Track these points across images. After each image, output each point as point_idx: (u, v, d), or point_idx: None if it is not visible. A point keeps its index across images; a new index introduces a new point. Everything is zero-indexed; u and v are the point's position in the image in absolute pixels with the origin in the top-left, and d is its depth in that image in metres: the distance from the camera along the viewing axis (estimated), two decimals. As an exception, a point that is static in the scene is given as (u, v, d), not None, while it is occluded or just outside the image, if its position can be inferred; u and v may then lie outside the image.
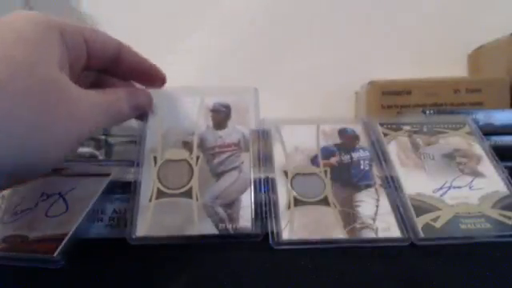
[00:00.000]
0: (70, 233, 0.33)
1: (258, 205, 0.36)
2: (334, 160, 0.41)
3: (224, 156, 0.39)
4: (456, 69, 0.87)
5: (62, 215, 0.35)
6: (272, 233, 0.34)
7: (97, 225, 0.37)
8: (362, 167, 0.40)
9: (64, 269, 0.30)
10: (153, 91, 0.41)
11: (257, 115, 0.43)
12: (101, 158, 0.48)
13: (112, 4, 0.90)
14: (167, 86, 0.42)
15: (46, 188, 0.38)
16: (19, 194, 0.38)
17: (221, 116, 0.42)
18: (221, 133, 0.41)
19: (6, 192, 0.38)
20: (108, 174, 0.39)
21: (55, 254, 0.31)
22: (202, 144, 0.40)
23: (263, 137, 0.42)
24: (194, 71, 0.88)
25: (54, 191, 0.37)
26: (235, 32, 0.89)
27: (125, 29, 0.90)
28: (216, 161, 0.39)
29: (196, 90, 0.44)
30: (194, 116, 0.42)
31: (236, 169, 0.39)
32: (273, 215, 0.35)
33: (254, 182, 0.38)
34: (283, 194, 0.37)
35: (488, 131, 0.48)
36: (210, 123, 0.41)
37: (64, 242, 0.32)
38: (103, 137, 0.47)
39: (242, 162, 0.39)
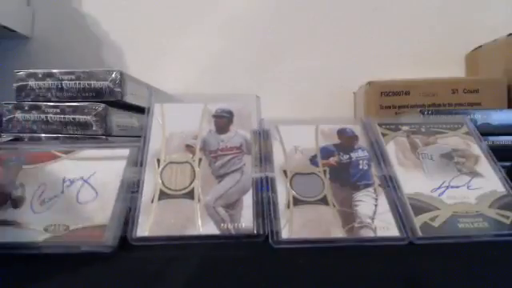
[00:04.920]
0: (110, 219, 0.35)
1: (259, 205, 0.37)
2: (333, 160, 0.41)
3: (226, 159, 0.40)
4: (454, 69, 0.87)
5: (93, 201, 0.36)
6: (271, 232, 0.34)
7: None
8: (360, 167, 0.41)
9: (63, 269, 0.31)
10: (157, 95, 0.42)
11: (258, 121, 0.44)
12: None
13: (112, 5, 0.90)
14: (170, 89, 0.43)
15: (65, 173, 0.38)
16: (37, 182, 0.38)
17: (223, 121, 0.43)
18: (223, 137, 0.42)
19: (21, 180, 0.38)
20: (122, 157, 0.40)
21: (104, 240, 0.33)
22: (204, 147, 0.41)
23: (263, 137, 0.43)
24: (194, 71, 0.88)
25: (75, 176, 0.38)
26: (235, 33, 0.90)
27: (124, 29, 0.90)
28: (218, 163, 0.40)
29: (200, 97, 0.45)
30: (198, 121, 0.43)
31: (238, 171, 0.39)
32: (272, 215, 0.36)
33: (255, 182, 0.38)
34: (283, 194, 0.38)
35: (485, 131, 0.48)
36: (213, 128, 0.42)
37: (108, 227, 0.34)
38: (103, 137, 0.48)
39: (244, 164, 0.40)
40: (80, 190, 0.37)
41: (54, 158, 0.40)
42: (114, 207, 0.35)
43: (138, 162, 0.39)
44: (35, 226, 0.34)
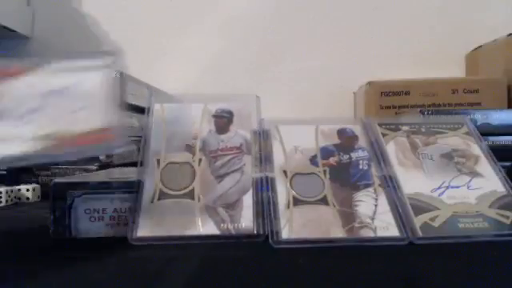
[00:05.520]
0: (116, 123, 0.34)
1: (259, 205, 0.37)
2: (333, 160, 0.41)
3: (226, 159, 0.40)
4: (454, 69, 0.87)
5: (83, 109, 0.35)
6: (271, 232, 0.34)
7: (97, 224, 0.37)
8: (360, 167, 0.41)
9: (63, 268, 0.31)
10: (157, 95, 0.42)
11: (258, 121, 0.44)
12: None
13: (112, 5, 0.90)
14: (170, 89, 0.43)
15: (41, 86, 0.37)
16: (11, 97, 0.36)
17: (223, 121, 0.43)
18: (223, 137, 0.41)
19: None
20: (98, 67, 0.38)
21: (116, 139, 0.33)
22: (204, 147, 0.41)
23: (263, 137, 0.43)
24: (194, 71, 0.88)
25: (53, 88, 0.36)
26: (235, 33, 0.90)
27: (124, 29, 0.90)
28: (218, 163, 0.40)
29: (200, 97, 0.45)
30: (198, 121, 0.43)
31: (238, 171, 0.39)
32: (272, 215, 0.36)
33: (255, 182, 0.38)
34: (283, 194, 0.38)
35: (485, 131, 0.48)
36: (213, 128, 0.42)
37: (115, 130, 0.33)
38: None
39: (244, 165, 0.40)
40: (64, 100, 0.35)
41: (20, 72, 0.37)
42: (106, 112, 0.34)
43: (138, 162, 0.39)
44: (23, 137, 0.32)
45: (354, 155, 0.42)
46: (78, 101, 0.35)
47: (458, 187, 0.39)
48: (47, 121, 0.34)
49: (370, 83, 0.73)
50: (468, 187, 0.39)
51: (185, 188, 0.38)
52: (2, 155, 0.32)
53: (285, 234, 0.34)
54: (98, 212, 0.37)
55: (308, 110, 0.87)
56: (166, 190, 0.37)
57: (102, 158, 0.51)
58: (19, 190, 0.57)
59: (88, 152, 0.34)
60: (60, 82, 0.36)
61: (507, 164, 0.44)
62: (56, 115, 0.34)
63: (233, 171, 0.39)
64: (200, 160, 0.40)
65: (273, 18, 0.90)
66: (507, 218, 0.36)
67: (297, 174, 0.39)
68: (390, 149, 0.43)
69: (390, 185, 0.39)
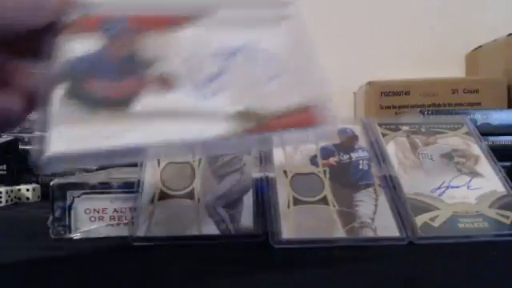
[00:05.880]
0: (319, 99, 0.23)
1: (259, 205, 0.37)
2: (333, 160, 0.41)
3: (226, 158, 0.40)
4: (454, 69, 0.87)
5: (278, 77, 0.25)
6: (271, 232, 0.34)
7: (97, 224, 0.37)
8: (360, 167, 0.41)
9: (63, 268, 0.31)
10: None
11: None
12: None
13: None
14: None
15: (212, 43, 0.26)
16: (177, 54, 0.26)
17: None
18: None
19: (143, 53, 0.25)
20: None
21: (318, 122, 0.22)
22: None
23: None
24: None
25: (231, 45, 0.26)
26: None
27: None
28: (218, 163, 0.40)
29: None
30: None
31: (238, 171, 0.39)
32: (272, 215, 0.36)
33: (255, 182, 0.38)
34: (283, 194, 0.38)
35: (485, 131, 0.48)
36: None
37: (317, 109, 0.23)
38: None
39: (244, 164, 0.40)
40: (250, 62, 0.25)
41: (177, 22, 0.26)
42: (304, 83, 0.24)
43: (137, 163, 0.39)
44: (217, 115, 0.23)
45: (354, 155, 0.42)
46: (266, 67, 0.25)
47: (458, 187, 0.39)
48: (237, 93, 0.24)
49: (370, 83, 0.73)
50: (468, 187, 0.39)
51: (185, 188, 0.38)
52: (193, 139, 0.22)
53: (285, 234, 0.34)
54: (98, 212, 0.37)
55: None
56: (166, 190, 0.37)
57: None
58: (19, 190, 0.57)
59: (283, 139, 0.23)
60: (234, 38, 0.26)
61: (507, 164, 0.44)
62: (243, 86, 0.24)
63: (233, 171, 0.39)
64: (200, 160, 0.39)
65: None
66: (507, 218, 0.36)
67: (297, 174, 0.39)
68: (390, 149, 0.43)
69: (390, 185, 0.39)
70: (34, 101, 0.25)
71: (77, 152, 0.22)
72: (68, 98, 0.23)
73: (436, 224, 0.36)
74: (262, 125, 0.22)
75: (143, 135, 0.22)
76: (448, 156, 0.42)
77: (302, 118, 0.23)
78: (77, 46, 0.25)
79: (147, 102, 0.23)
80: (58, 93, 0.23)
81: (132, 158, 0.26)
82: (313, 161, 0.41)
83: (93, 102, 0.23)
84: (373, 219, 0.36)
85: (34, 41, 0.25)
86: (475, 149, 0.43)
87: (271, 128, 0.22)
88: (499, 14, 0.88)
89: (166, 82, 0.24)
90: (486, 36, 0.79)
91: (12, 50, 0.25)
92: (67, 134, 0.22)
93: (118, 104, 0.23)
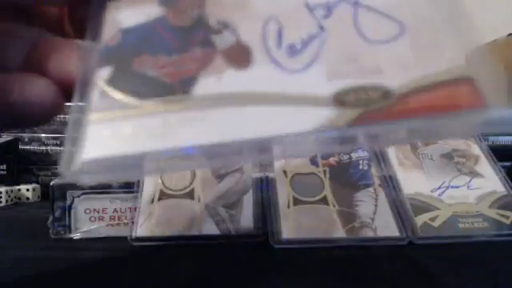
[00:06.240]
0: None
1: (259, 205, 0.37)
2: (333, 160, 0.41)
3: None
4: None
5: (399, 38, 0.15)
6: (271, 232, 0.34)
7: (97, 224, 0.37)
8: (360, 167, 0.41)
9: (63, 268, 0.31)
10: None
11: None
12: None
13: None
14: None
15: None
16: (257, 15, 0.17)
17: None
18: None
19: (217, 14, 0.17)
20: None
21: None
22: None
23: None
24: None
25: None
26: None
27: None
28: (218, 162, 0.40)
29: None
30: None
31: (238, 170, 0.39)
32: (272, 214, 0.36)
33: (255, 181, 0.38)
34: (283, 194, 0.38)
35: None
36: None
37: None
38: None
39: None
40: (359, 19, 0.16)
41: None
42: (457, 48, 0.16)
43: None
44: (322, 97, 0.15)
45: (354, 155, 0.42)
46: (378, 24, 0.16)
47: (457, 187, 0.39)
48: (337, 64, 0.16)
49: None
50: (468, 187, 0.39)
51: (185, 188, 0.38)
52: (278, 135, 0.15)
53: (285, 234, 0.34)
54: (98, 212, 0.37)
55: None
56: (166, 190, 0.37)
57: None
58: (19, 190, 0.57)
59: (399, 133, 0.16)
60: None
61: (507, 164, 0.44)
62: (345, 54, 0.16)
63: (233, 171, 0.39)
64: (200, 160, 0.39)
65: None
66: (507, 218, 0.36)
67: (297, 173, 0.39)
68: (390, 149, 0.43)
69: (390, 185, 0.39)
70: (71, 88, 0.18)
71: (123, 156, 0.16)
72: (112, 84, 0.17)
73: (436, 224, 0.36)
74: (375, 111, 0.14)
75: (215, 131, 0.15)
76: (448, 156, 0.42)
77: (438, 99, 0.14)
78: (128, 15, 0.19)
79: (216, 83, 0.16)
80: (100, 77, 0.18)
81: (202, 162, 0.18)
82: (313, 161, 0.41)
83: (143, 86, 0.17)
84: (373, 219, 0.36)
85: (75, 11, 0.19)
86: (475, 149, 0.43)
87: (391, 115, 0.14)
88: (499, 14, 0.88)
89: (240, 56, 0.17)
90: (485, 36, 0.79)
91: (47, 24, 0.20)
92: (110, 133, 0.16)
93: (178, 86, 0.17)
